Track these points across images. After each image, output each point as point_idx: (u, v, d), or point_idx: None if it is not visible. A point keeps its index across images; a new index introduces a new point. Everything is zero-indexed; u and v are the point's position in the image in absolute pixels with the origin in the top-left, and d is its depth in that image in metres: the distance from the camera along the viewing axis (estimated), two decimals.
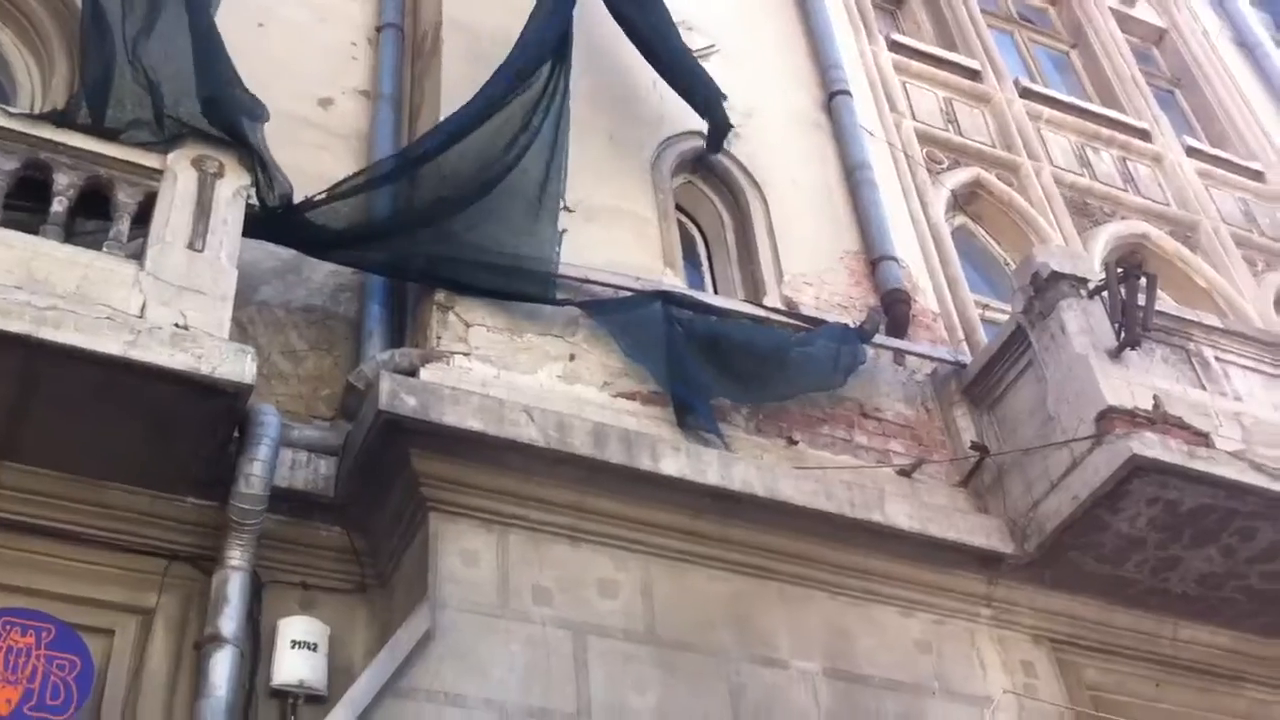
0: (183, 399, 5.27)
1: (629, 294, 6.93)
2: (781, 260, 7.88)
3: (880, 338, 7.48)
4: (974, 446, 7.10)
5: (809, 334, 7.21)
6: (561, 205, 6.88)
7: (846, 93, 9.20)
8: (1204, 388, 7.02)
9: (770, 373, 6.93)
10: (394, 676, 5.10)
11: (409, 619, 5.36)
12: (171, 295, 5.42)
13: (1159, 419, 6.54)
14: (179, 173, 5.87)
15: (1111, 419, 6.46)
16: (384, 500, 5.86)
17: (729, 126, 8.04)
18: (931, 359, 7.66)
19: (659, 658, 5.65)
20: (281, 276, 6.77)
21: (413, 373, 6.04)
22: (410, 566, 5.74)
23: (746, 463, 6.35)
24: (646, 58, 7.93)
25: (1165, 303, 7.79)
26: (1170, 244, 10.01)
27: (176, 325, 5.31)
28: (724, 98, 8.01)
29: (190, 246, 5.66)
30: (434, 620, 5.33)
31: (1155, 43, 13.02)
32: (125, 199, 5.77)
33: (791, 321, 7.35)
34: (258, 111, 6.22)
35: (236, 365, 5.30)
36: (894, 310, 7.81)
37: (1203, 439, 6.54)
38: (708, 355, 6.81)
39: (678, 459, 6.11)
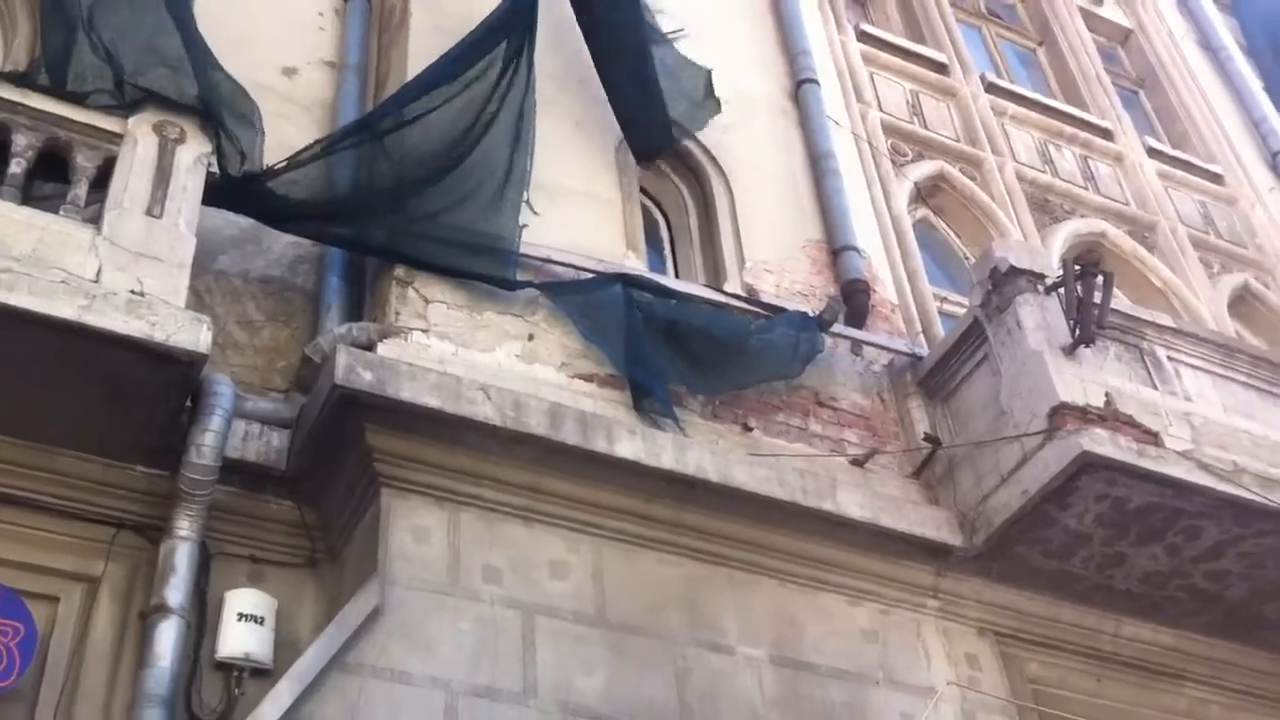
0: (136, 366, 5.23)
1: (590, 275, 6.92)
2: (744, 246, 7.90)
3: (839, 327, 7.51)
4: (927, 438, 7.14)
5: (768, 321, 7.24)
6: (525, 199, 6.85)
7: (814, 81, 9.22)
8: (1155, 387, 7.09)
9: (729, 359, 6.94)
10: (341, 651, 5.09)
11: (358, 594, 5.34)
12: (128, 261, 5.38)
13: (1110, 416, 6.59)
14: (139, 138, 5.82)
15: (1063, 415, 6.51)
16: (336, 475, 5.84)
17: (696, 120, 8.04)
18: (889, 350, 7.70)
19: (607, 640, 5.67)
20: (240, 246, 6.72)
21: (370, 347, 6.01)
22: (361, 542, 5.72)
23: (701, 448, 6.37)
24: (599, 71, 7.87)
25: (1120, 301, 7.86)
26: (1128, 243, 10.09)
27: (132, 292, 5.26)
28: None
29: (149, 213, 5.61)
30: (383, 596, 5.33)
31: (1121, 42, 13.11)
32: (84, 162, 5.71)
33: (751, 308, 7.38)
34: (253, 119, 6.19)
35: (192, 334, 5.26)
36: (853, 300, 7.84)
37: (1152, 438, 6.60)
38: (666, 340, 6.82)
39: (633, 442, 6.13)
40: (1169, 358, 7.33)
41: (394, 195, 6.63)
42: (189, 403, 5.60)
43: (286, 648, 5.43)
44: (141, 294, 5.27)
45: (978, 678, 6.49)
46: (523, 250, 6.72)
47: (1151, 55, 12.78)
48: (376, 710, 5.01)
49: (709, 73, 8.29)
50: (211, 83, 6.17)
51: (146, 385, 5.34)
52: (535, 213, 6.91)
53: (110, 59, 5.99)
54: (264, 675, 5.36)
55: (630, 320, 6.76)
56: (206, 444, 5.51)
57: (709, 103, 8.27)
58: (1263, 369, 7.60)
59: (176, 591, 5.27)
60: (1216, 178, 11.37)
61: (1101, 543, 6.65)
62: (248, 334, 6.52)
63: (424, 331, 6.28)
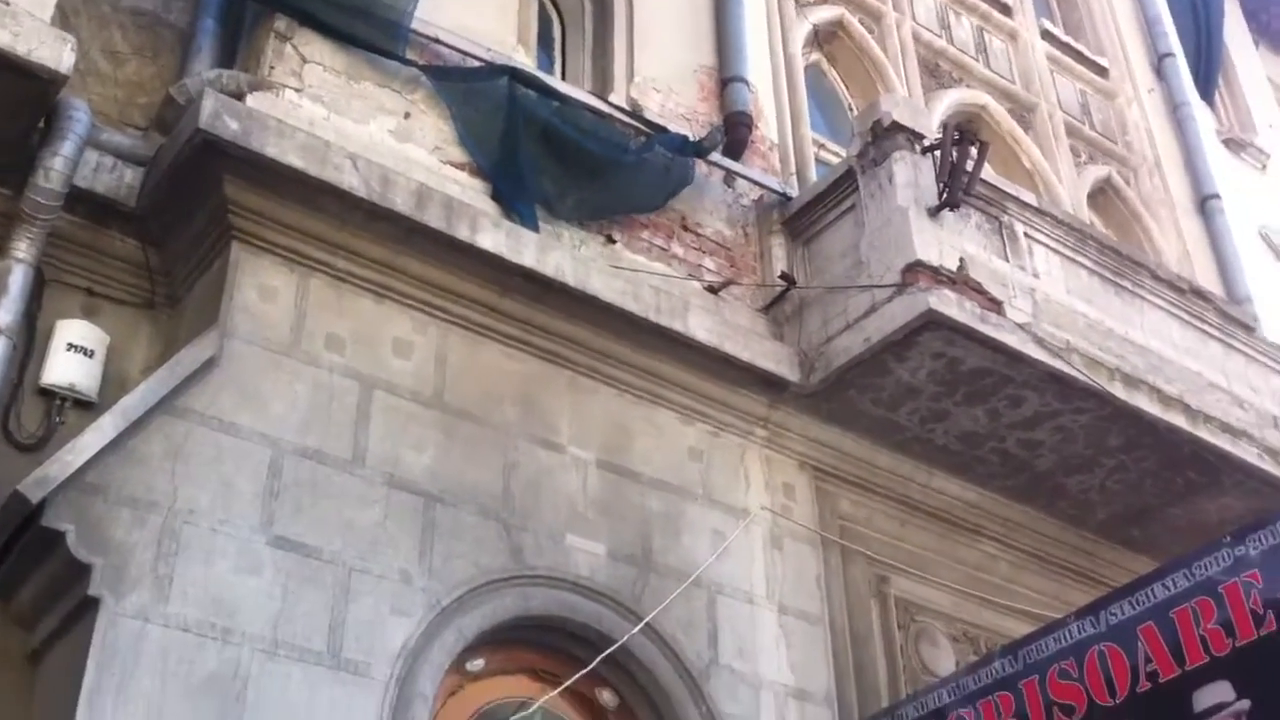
0: None
1: (477, 64, 6.79)
2: (635, 60, 7.80)
3: (715, 156, 7.52)
4: (783, 276, 7.25)
5: (647, 140, 7.20)
6: None
7: None
8: (1007, 259, 7.25)
9: (601, 174, 6.90)
10: (171, 395, 5.04)
11: (194, 341, 5.28)
12: None
13: (960, 280, 6.73)
14: None
15: (917, 272, 6.63)
16: (187, 221, 5.71)
17: None
18: (761, 186, 7.75)
19: (441, 422, 5.73)
20: None
21: (239, 97, 5.81)
22: (203, 292, 5.65)
23: (563, 251, 6.39)
24: None
25: (989, 175, 7.97)
26: (1006, 121, 10.22)
27: None
28: None
29: None
30: (220, 347, 5.27)
31: None
32: None
33: (633, 123, 7.33)
34: None
35: (55, 51, 5.04)
36: (735, 132, 7.82)
37: (996, 306, 6.78)
38: (542, 145, 6.73)
39: (496, 235, 6.11)
40: (1025, 234, 7.51)
41: None
42: (42, 124, 5.39)
43: (114, 384, 5.39)
44: (6, 2, 5.00)
45: (791, 507, 6.75)
46: (412, 24, 6.53)
47: None
48: (201, 455, 5.00)
49: None
50: None
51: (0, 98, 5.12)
52: None
53: None
54: (87, 408, 5.32)
55: (511, 117, 6.66)
56: (55, 168, 5.34)
57: None
58: (1109, 258, 7.85)
59: (6, 312, 5.14)
60: (1101, 70, 11.52)
61: (929, 398, 6.89)
62: (111, 65, 6.26)
63: (297, 91, 6.10)
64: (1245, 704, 4.68)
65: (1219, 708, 4.74)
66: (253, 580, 4.87)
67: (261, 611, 4.82)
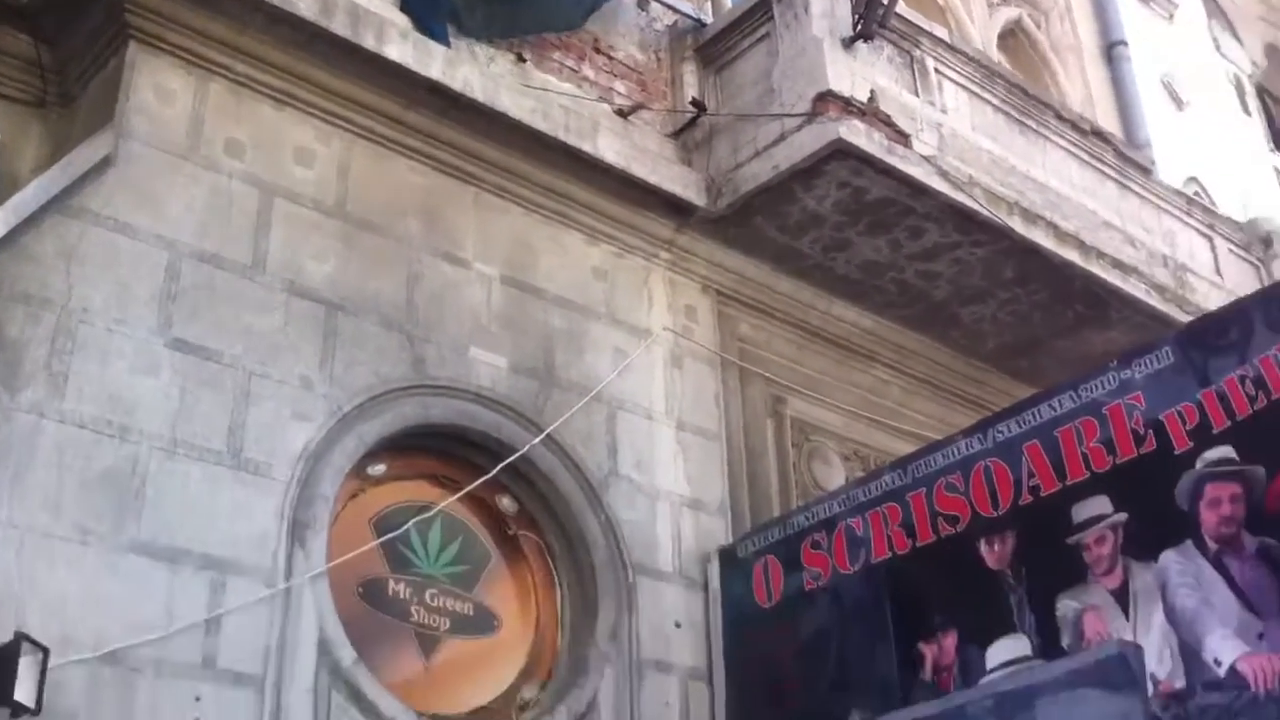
0: None
1: None
2: None
3: None
4: (693, 103, 7.23)
5: None
6: None
7: None
8: (917, 94, 7.30)
9: None
10: (63, 194, 4.93)
11: (88, 141, 5.15)
12: None
13: (870, 112, 6.77)
14: None
15: (827, 102, 6.66)
16: (82, 17, 5.52)
17: None
18: (675, 10, 7.65)
19: (343, 233, 5.69)
20: None
21: None
22: (98, 92, 5.48)
23: (472, 66, 6.31)
24: None
25: (903, 9, 7.94)
26: None
27: None
28: None
29: None
30: (115, 147, 5.15)
31: None
32: None
33: None
34: None
35: None
36: None
37: (903, 139, 6.83)
38: None
39: (403, 46, 6.00)
40: (936, 69, 7.54)
41: None
42: None
43: (4, 183, 5.21)
44: None
45: (692, 328, 6.84)
46: None
47: None
48: (95, 256, 4.92)
49: None
50: None
51: None
52: None
53: None
54: None
55: None
56: None
57: None
58: (1015, 97, 7.94)
59: None
60: None
61: (833, 227, 6.96)
62: None
63: None
64: (1122, 516, 4.89)
65: (1097, 519, 4.95)
66: (150, 380, 4.84)
67: (159, 411, 4.81)
